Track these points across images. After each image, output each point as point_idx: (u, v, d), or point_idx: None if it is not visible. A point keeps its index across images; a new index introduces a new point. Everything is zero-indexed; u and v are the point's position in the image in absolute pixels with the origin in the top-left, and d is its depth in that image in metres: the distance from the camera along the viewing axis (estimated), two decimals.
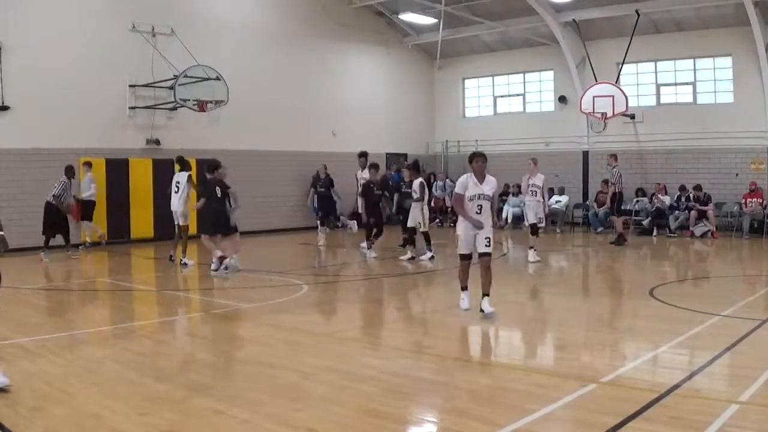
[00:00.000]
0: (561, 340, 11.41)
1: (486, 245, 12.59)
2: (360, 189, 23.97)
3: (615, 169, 25.88)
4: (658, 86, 32.67)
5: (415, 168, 22.25)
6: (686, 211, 28.64)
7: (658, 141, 31.24)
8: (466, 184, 12.61)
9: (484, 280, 12.63)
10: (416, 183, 21.37)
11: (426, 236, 21.45)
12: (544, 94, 36.37)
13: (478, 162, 12.70)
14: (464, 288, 12.92)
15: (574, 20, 32.14)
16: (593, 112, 30.36)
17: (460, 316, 13.14)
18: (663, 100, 32.56)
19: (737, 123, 29.41)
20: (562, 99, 34.73)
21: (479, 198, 12.60)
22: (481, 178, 12.69)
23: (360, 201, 23.97)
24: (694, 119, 30.42)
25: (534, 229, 21.50)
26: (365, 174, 23.61)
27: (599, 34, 32.80)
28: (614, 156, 26.32)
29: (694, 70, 31.81)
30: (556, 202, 31.89)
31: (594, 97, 30.29)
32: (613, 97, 29.97)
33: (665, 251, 25.24)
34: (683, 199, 29.02)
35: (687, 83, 31.94)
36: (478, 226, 12.48)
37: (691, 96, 31.83)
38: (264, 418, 7.40)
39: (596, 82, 31.04)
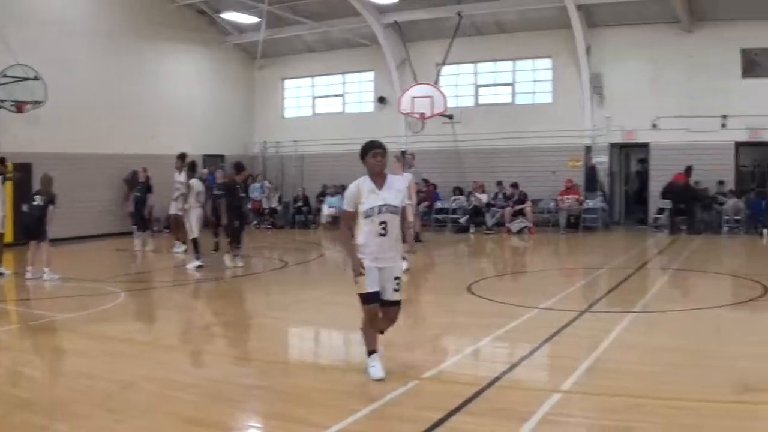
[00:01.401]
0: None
1: (395, 289, 8.76)
2: (221, 191, 23.19)
3: (413, 169, 26.18)
4: (477, 87, 33.34)
5: (191, 168, 21.94)
6: (503, 208, 29.21)
7: (476, 140, 31.80)
8: (357, 194, 8.64)
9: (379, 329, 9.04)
10: (194, 182, 20.96)
11: (194, 243, 20.35)
12: (364, 95, 36.56)
13: (375, 156, 8.68)
14: (372, 351, 8.84)
15: (396, 22, 32.46)
16: (412, 113, 30.66)
17: (277, 318, 13.10)
18: (482, 101, 33.30)
19: (555, 122, 30.41)
20: (381, 100, 35.02)
21: (381, 211, 8.60)
22: (380, 181, 8.71)
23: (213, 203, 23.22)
24: (513, 119, 31.19)
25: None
26: (182, 177, 22.90)
27: (420, 36, 33.20)
28: (412, 156, 26.75)
29: (514, 71, 32.66)
30: None
31: (413, 97, 30.62)
32: (432, 97, 30.36)
33: (483, 248, 25.71)
34: (500, 196, 29.64)
35: (506, 84, 32.70)
36: (357, 271, 8.61)
37: (509, 96, 32.69)
38: (86, 430, 7.19)
39: (416, 83, 31.41)
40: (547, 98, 31.95)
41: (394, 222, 8.74)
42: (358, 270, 8.58)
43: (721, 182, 28.85)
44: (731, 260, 22.63)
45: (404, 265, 17.34)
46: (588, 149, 30.72)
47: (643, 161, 31.87)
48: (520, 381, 8.53)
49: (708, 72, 28.81)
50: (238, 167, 20.99)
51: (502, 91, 32.90)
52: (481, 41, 32.30)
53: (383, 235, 8.65)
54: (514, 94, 32.72)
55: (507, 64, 32.80)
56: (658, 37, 29.71)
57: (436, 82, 31.74)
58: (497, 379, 8.39)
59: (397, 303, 8.87)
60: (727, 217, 28.23)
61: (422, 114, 30.40)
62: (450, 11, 30.95)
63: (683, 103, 28.97)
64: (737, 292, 15.88)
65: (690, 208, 28.32)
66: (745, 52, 29.24)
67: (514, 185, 29.69)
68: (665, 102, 29.39)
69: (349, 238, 8.85)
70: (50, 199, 18.38)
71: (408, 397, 7.88)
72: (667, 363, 9.25)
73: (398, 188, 8.94)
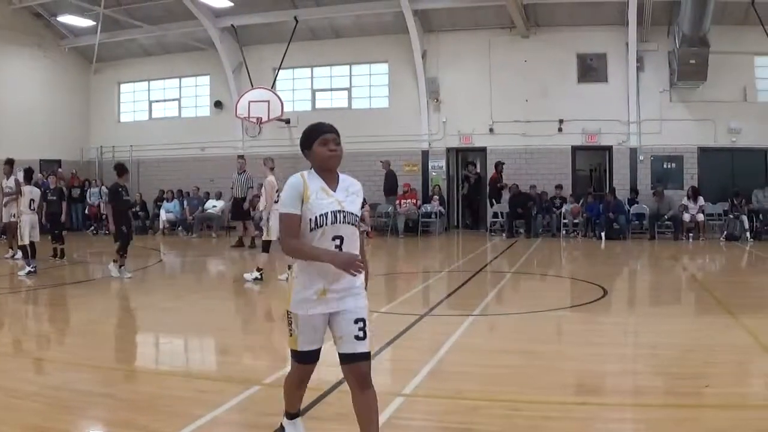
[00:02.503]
0: (222, 344, 11.16)
1: (358, 336, 5.87)
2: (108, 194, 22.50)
3: (243, 175, 25.49)
4: (313, 91, 33.21)
5: (27, 175, 20.67)
6: None
7: None
8: (301, 191, 5.68)
9: (363, 416, 5.88)
10: (26, 189, 20.13)
11: (24, 249, 19.32)
12: (200, 99, 36.01)
13: (327, 143, 5.69)
14: (294, 414, 6.53)
15: (232, 25, 32.07)
16: (248, 117, 30.32)
17: (116, 325, 12.67)
18: (318, 105, 33.16)
19: (392, 127, 30.53)
20: (218, 104, 34.58)
21: (337, 220, 5.70)
22: (333, 180, 5.82)
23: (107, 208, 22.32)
24: (350, 123, 30.83)
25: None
26: (10, 183, 22.02)
27: (257, 40, 32.94)
28: (243, 158, 26.55)
29: (350, 75, 32.71)
30: (213, 206, 31.73)
31: (250, 102, 30.24)
32: (268, 102, 30.05)
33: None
34: None
35: (343, 89, 32.69)
36: (352, 262, 5.47)
37: (346, 101, 32.72)
38: None
39: (252, 88, 31.05)
40: (384, 103, 32.23)
41: (353, 238, 5.75)
42: (353, 260, 5.45)
43: (558, 186, 29.42)
44: (570, 263, 23.03)
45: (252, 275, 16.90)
46: (426, 154, 30.99)
47: (472, 165, 32.07)
48: None
49: (544, 77, 29.50)
50: (120, 169, 19.13)
51: (338, 95, 32.96)
52: (317, 46, 32.27)
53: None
54: (350, 98, 32.84)
55: (343, 69, 32.87)
56: (494, 42, 30.32)
57: (273, 86, 31.50)
58: (340, 383, 8.03)
59: (365, 356, 5.86)
60: (565, 221, 28.83)
61: (259, 118, 30.09)
62: (286, 15, 30.79)
63: (520, 108, 29.58)
64: (576, 294, 16.05)
65: (527, 211, 28.64)
66: (580, 57, 30.06)
67: None
68: (502, 107, 30.00)
69: (308, 244, 5.63)
70: None
71: (250, 403, 7.67)
72: (507, 365, 9.29)
73: (355, 191, 5.86)
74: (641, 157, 29.60)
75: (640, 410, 7.51)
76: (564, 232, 28.78)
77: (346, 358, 5.82)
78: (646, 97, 29.37)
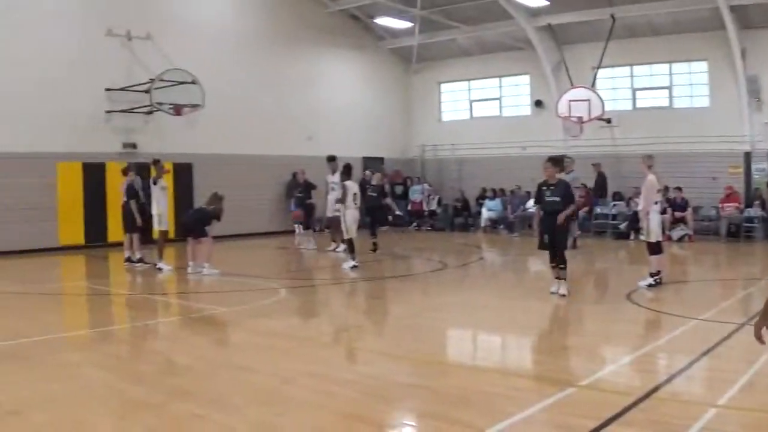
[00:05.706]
0: (538, 343, 11.39)
1: None
2: (375, 192, 24.82)
3: (572, 174, 24.61)
4: (633, 90, 32.78)
5: (346, 171, 21.06)
6: (663, 214, 28.39)
7: (635, 145, 30.72)
8: None
9: None
10: (349, 184, 20.50)
11: (350, 243, 20.23)
12: (521, 98, 36.34)
13: None
14: None
15: (549, 24, 32.24)
16: (569, 116, 30.31)
17: (433, 319, 13.15)
18: (639, 104, 32.67)
19: (713, 127, 29.44)
20: (538, 103, 34.76)
21: None
22: None
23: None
24: (670, 123, 30.31)
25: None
26: (335, 178, 23.06)
27: (575, 39, 32.89)
28: (572, 160, 25.56)
29: (670, 74, 31.95)
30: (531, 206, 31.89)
31: (570, 101, 30.30)
32: (589, 101, 29.98)
33: (642, 255, 25.24)
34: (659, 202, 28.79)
35: (663, 87, 32.10)
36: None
37: (667, 100, 32.02)
38: (245, 423, 7.33)
39: (572, 87, 31.10)
40: (704, 102, 30.99)
41: None
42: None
43: None
44: None
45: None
46: (748, 155, 29.59)
47: None
48: (676, 393, 8.20)
49: None
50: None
51: (659, 94, 32.25)
52: (635, 44, 31.66)
53: None
54: (671, 97, 31.99)
55: (663, 67, 32.08)
56: None
57: (593, 85, 31.31)
58: (654, 390, 8.09)
59: None
60: None
61: (580, 118, 30.05)
62: (602, 13, 30.46)
63: None
64: None
65: None
66: None
67: (678, 189, 28.49)
68: None
69: None
70: (216, 215, 19.00)
71: (563, 404, 7.73)
72: None
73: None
74: None
75: None
76: None
77: None
78: None
